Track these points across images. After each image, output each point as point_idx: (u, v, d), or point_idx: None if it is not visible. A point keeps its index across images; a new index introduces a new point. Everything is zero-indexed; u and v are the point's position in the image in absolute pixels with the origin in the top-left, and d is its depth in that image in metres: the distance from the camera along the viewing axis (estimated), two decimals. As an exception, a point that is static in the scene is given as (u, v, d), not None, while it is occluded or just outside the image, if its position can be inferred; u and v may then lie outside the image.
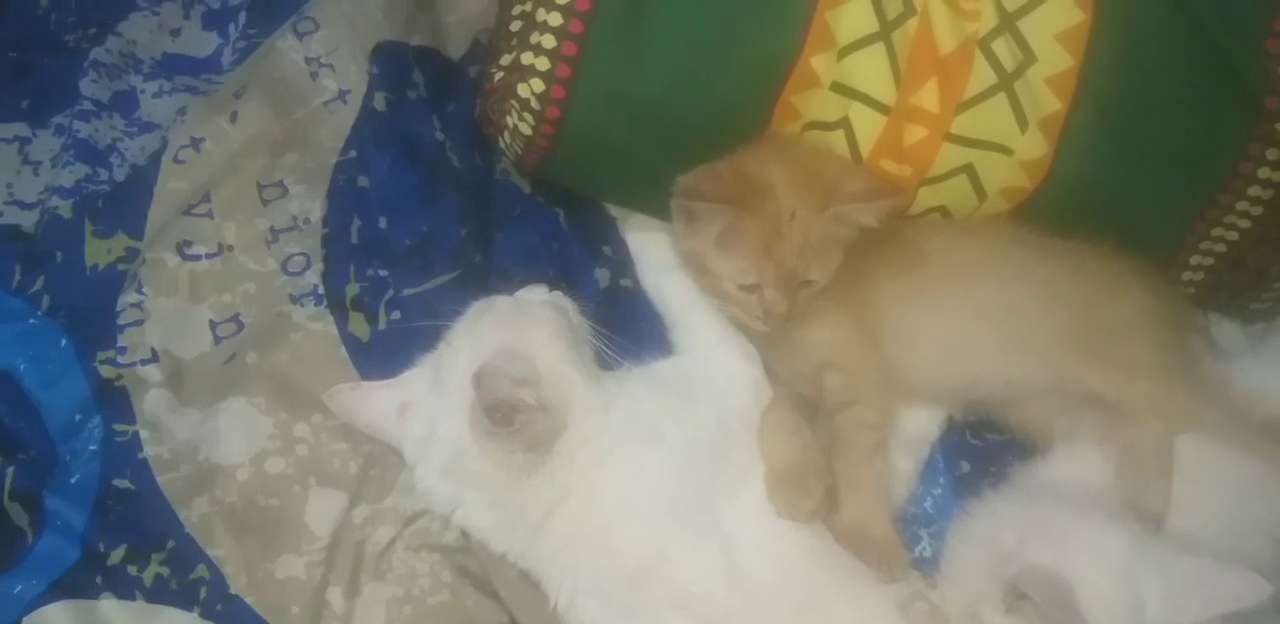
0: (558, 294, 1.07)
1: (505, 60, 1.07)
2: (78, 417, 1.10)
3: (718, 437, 1.00)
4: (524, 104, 1.05)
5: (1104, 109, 1.02)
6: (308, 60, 1.26)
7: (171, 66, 1.34)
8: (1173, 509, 0.99)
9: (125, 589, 1.02)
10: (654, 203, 1.05)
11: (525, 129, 1.07)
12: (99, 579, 1.02)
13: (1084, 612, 0.88)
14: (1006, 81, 1.03)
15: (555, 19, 1.02)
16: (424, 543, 1.04)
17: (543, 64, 1.03)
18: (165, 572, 1.03)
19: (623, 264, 1.16)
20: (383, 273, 1.14)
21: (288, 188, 1.21)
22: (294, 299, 1.15)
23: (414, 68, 1.25)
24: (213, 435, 1.08)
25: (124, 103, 1.31)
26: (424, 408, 1.01)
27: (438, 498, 1.00)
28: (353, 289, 1.14)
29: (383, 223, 1.16)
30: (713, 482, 0.98)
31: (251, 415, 1.08)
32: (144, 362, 1.12)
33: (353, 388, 1.05)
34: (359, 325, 1.13)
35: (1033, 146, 1.04)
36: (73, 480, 1.07)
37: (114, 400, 1.10)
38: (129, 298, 1.14)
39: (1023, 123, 1.03)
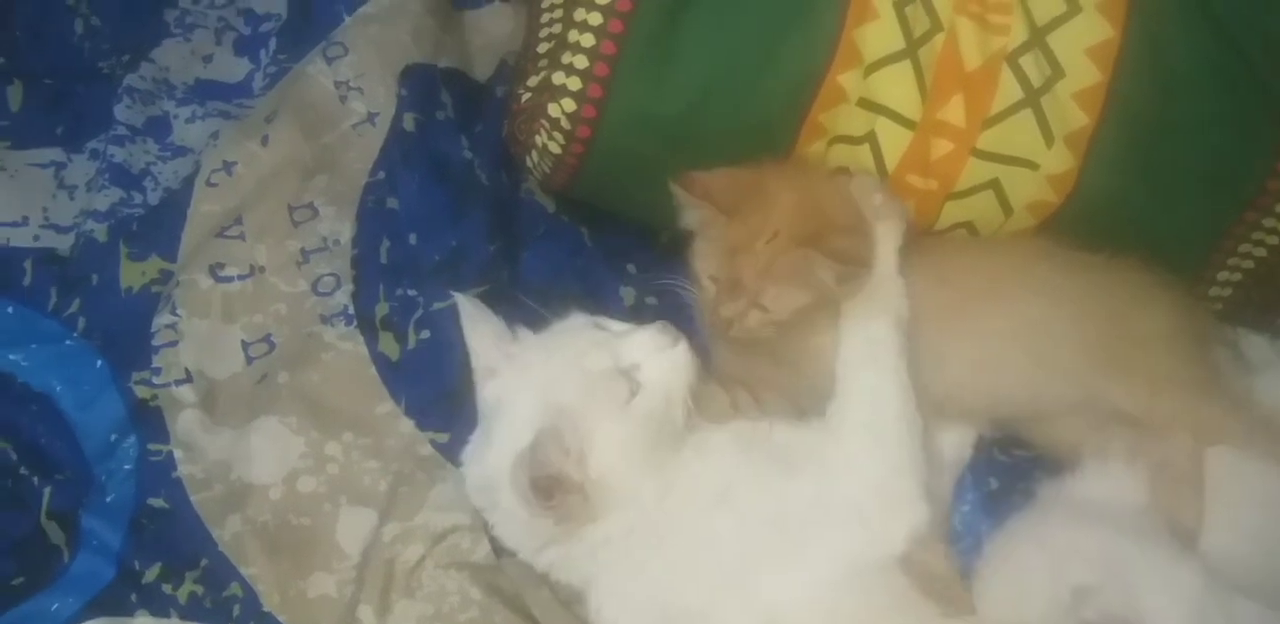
0: (681, 348, 0.97)
1: (533, 81, 1.08)
2: (113, 437, 1.11)
3: (805, 514, 0.94)
4: (554, 123, 1.06)
5: (1132, 125, 1.03)
6: (337, 84, 1.27)
7: (204, 92, 1.35)
8: (1204, 528, 0.98)
9: (160, 607, 1.03)
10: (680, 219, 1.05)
11: (555, 148, 1.08)
12: (134, 597, 1.03)
13: None
14: (1033, 96, 1.03)
15: (595, 19, 1.03)
16: (454, 560, 1.04)
17: (574, 84, 1.04)
18: (199, 590, 1.03)
19: (647, 282, 1.17)
20: (412, 293, 1.15)
21: (318, 210, 1.21)
22: (324, 319, 1.16)
23: (442, 89, 1.27)
24: (245, 455, 1.08)
25: (157, 128, 1.32)
26: (503, 388, 0.99)
27: (477, 501, 1.00)
28: (382, 309, 1.15)
29: (412, 239, 1.18)
30: (771, 553, 0.93)
31: (283, 435, 1.09)
32: (178, 382, 1.12)
33: (479, 309, 1.03)
34: (389, 345, 1.13)
35: (1059, 161, 1.04)
36: (108, 500, 1.08)
37: (149, 420, 1.11)
38: (163, 319, 1.15)
39: (1049, 137, 1.03)
